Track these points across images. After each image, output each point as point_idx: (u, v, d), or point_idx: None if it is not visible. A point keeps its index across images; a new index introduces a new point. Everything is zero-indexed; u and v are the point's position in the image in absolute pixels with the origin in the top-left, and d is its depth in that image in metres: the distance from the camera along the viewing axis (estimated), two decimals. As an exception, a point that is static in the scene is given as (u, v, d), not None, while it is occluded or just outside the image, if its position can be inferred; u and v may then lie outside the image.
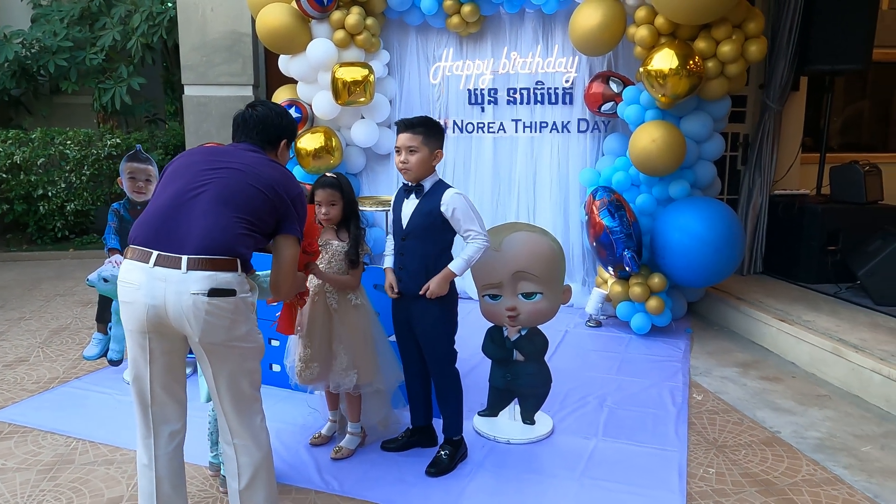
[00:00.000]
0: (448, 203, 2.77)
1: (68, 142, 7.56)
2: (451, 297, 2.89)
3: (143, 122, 9.18)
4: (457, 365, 3.02)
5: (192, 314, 2.03)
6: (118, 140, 7.70)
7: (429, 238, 2.82)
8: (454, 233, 2.86)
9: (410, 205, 2.86)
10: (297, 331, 2.91)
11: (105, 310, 3.95)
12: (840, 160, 5.71)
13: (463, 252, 2.80)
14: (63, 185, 7.58)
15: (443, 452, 2.96)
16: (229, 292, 2.06)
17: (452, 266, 2.79)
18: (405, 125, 2.82)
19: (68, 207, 7.66)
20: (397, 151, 2.83)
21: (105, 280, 3.63)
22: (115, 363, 3.86)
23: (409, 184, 2.86)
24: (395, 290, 2.90)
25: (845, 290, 5.05)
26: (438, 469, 2.90)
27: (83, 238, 8.02)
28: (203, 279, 2.02)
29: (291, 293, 2.53)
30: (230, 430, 2.21)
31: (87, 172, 7.59)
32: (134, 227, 2.15)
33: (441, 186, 2.84)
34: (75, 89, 8.16)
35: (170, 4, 7.76)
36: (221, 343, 2.09)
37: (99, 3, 8.12)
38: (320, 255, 2.86)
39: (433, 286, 2.78)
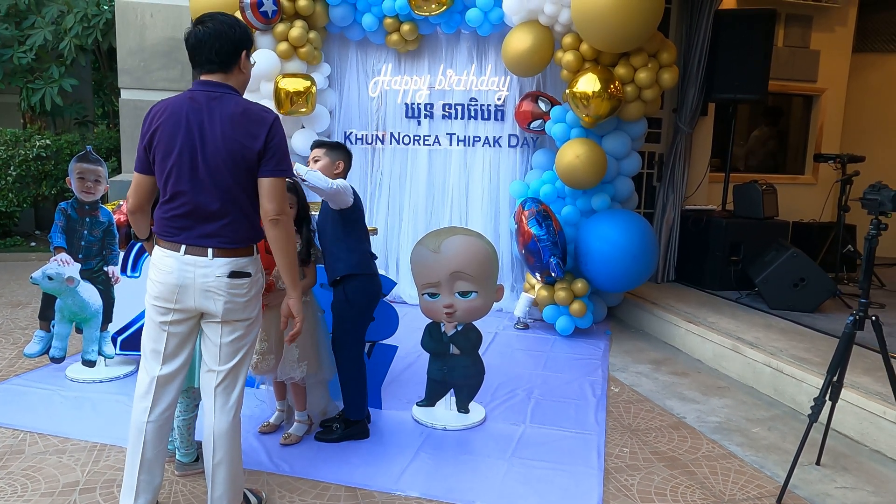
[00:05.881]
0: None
1: (-7, 141, 7.39)
2: (357, 287, 3.19)
3: (73, 125, 9.01)
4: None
5: (215, 294, 2.31)
6: (48, 141, 7.57)
7: (327, 228, 3.24)
8: (343, 225, 3.18)
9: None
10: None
11: (48, 307, 3.94)
12: (744, 180, 6.30)
13: None
14: (-14, 186, 7.39)
15: (335, 425, 3.28)
16: (245, 274, 2.35)
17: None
18: (315, 144, 3.32)
19: (-9, 208, 7.47)
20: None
21: (50, 278, 3.67)
22: (58, 360, 3.87)
23: None
24: None
25: (745, 296, 5.60)
26: (326, 437, 3.24)
27: (6, 241, 7.80)
28: (225, 264, 2.31)
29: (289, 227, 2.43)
30: (215, 398, 2.41)
31: (14, 173, 7.42)
32: (158, 224, 2.35)
33: None
34: (1, 88, 7.97)
35: (105, 7, 7.72)
36: (236, 318, 2.36)
37: (28, 2, 7.97)
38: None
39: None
